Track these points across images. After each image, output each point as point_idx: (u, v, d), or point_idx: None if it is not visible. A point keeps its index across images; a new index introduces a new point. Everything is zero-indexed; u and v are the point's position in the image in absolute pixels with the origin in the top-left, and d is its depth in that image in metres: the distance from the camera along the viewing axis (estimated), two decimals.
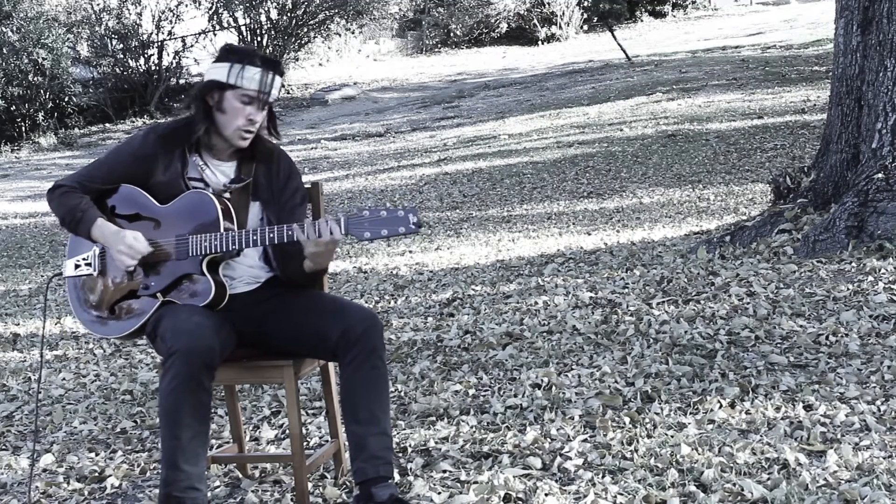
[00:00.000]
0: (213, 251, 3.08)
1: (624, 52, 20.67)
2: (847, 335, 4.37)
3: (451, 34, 27.79)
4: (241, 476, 3.55)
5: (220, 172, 3.24)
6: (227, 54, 3.20)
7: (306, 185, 3.40)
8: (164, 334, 3.01)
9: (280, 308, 3.20)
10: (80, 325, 3.29)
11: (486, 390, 4.23)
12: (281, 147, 3.39)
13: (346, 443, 3.21)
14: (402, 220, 2.94)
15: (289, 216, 3.25)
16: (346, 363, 3.09)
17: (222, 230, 3.09)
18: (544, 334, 4.95)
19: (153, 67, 22.06)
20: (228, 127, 3.18)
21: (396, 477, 3.34)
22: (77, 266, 3.22)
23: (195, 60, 21.95)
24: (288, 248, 3.16)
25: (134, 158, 3.22)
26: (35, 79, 19.89)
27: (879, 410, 3.55)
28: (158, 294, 3.12)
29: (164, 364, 2.96)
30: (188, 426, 2.92)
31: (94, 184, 3.24)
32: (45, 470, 3.80)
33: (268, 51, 21.46)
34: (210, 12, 22.16)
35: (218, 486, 3.48)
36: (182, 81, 22.54)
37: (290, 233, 3.03)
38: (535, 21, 26.63)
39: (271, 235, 3.04)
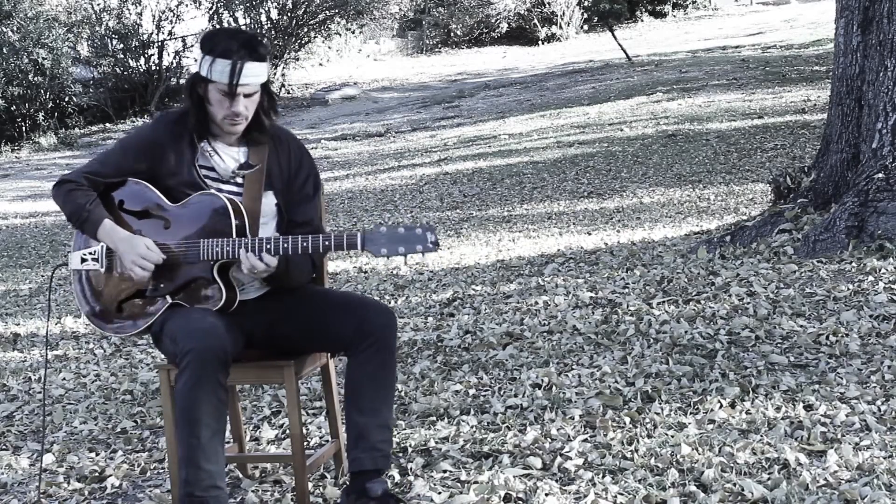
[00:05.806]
0: (225, 257, 3.04)
1: (624, 51, 20.67)
2: (847, 335, 4.37)
3: (452, 34, 27.79)
4: (241, 476, 3.55)
5: (229, 157, 3.17)
6: (202, 44, 3.15)
7: None
8: (175, 335, 2.97)
9: (292, 309, 3.18)
10: (85, 319, 3.25)
11: (486, 390, 4.23)
12: (291, 132, 3.34)
13: (346, 434, 3.19)
14: (419, 237, 2.92)
15: (299, 207, 3.21)
16: (357, 353, 3.08)
17: (234, 235, 3.05)
18: (544, 334, 4.94)
19: (153, 67, 22.06)
20: (216, 117, 3.13)
21: (396, 477, 3.35)
22: (83, 260, 3.15)
23: (195, 60, 21.92)
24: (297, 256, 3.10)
25: (142, 147, 3.15)
26: (35, 79, 19.88)
27: (880, 410, 3.55)
28: (168, 296, 3.09)
29: (178, 364, 2.93)
30: (207, 425, 2.90)
31: (102, 177, 3.15)
32: (45, 470, 3.80)
33: None
34: (210, 12, 22.15)
35: None
36: (182, 81, 22.53)
37: (304, 244, 2.99)
38: (536, 21, 26.63)
39: (285, 246, 3.00)
